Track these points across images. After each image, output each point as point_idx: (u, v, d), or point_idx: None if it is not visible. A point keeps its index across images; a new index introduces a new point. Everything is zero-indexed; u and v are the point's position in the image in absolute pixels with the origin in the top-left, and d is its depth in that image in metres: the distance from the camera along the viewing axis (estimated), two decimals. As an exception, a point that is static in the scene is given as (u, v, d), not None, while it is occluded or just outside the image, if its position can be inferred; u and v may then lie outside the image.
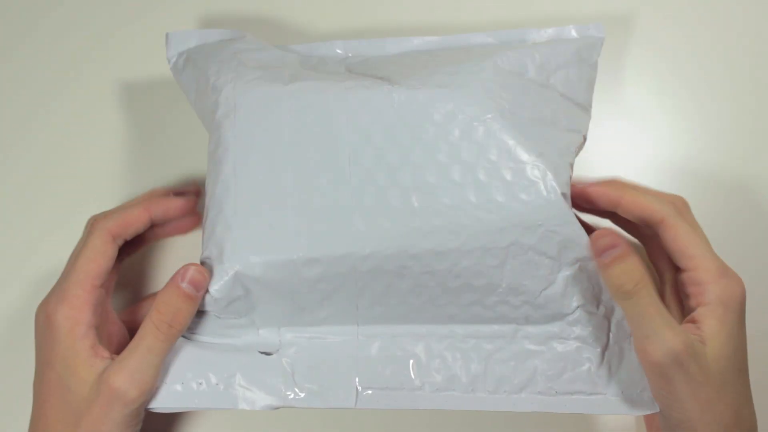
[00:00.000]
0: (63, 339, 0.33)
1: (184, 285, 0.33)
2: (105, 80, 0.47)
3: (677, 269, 0.35)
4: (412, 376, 0.35)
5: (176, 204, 0.39)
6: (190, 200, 0.40)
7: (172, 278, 0.34)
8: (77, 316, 0.34)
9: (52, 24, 0.48)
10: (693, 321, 0.33)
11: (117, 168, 0.45)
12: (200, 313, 0.36)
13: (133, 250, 0.40)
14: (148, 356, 0.33)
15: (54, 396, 0.33)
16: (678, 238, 0.34)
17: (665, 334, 0.31)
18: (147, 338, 0.33)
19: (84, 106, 0.46)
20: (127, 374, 0.32)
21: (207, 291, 0.34)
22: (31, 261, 0.44)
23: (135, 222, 0.37)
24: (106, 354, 0.34)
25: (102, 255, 0.35)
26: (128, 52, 0.47)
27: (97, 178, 0.45)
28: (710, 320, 0.32)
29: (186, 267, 0.34)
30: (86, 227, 0.37)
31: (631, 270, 0.32)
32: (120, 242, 0.37)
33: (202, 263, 0.35)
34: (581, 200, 0.36)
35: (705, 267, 0.33)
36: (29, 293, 0.43)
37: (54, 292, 0.35)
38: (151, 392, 0.34)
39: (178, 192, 0.40)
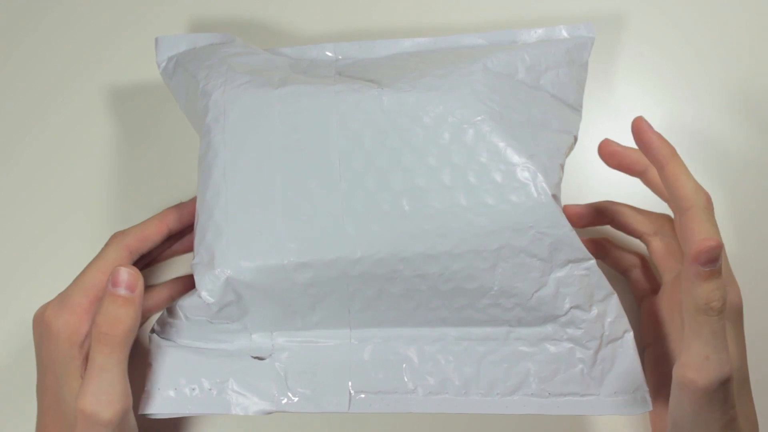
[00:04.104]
0: (61, 344, 0.33)
1: (120, 290, 0.33)
2: (96, 85, 0.47)
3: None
4: (405, 380, 0.35)
5: (189, 209, 0.39)
6: None
7: (106, 287, 0.33)
8: (77, 324, 0.34)
9: (43, 30, 0.48)
10: None
11: (109, 172, 0.45)
12: (192, 319, 0.35)
13: (149, 265, 0.41)
14: (104, 374, 0.32)
15: (54, 404, 0.33)
16: (695, 232, 0.32)
17: (726, 357, 0.30)
18: (96, 357, 0.32)
19: (75, 111, 0.46)
20: (92, 397, 0.31)
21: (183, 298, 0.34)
22: (28, 262, 0.44)
23: (152, 235, 0.37)
24: None
25: (113, 267, 0.35)
26: (119, 57, 0.47)
27: (89, 182, 0.45)
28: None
29: (115, 270, 0.33)
30: (106, 242, 0.37)
31: (722, 287, 0.31)
32: (136, 257, 0.37)
33: (193, 268, 0.35)
34: (638, 138, 0.35)
35: None
36: (24, 296, 0.44)
37: (57, 298, 0.35)
38: (127, 406, 0.33)
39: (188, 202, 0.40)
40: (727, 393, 0.31)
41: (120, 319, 0.32)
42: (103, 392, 0.31)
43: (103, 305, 0.33)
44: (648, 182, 0.37)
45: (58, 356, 0.33)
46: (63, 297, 0.35)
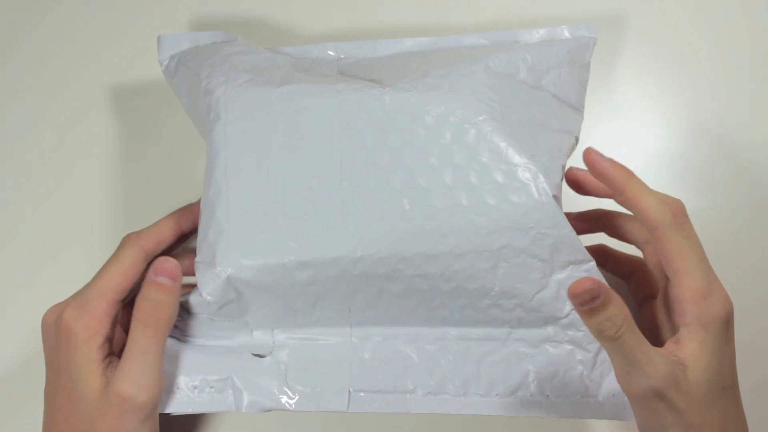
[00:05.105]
0: (80, 347, 0.33)
1: (160, 278, 0.33)
2: (97, 84, 0.47)
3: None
4: (405, 379, 0.35)
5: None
6: None
7: (146, 275, 0.34)
8: (96, 327, 0.34)
9: (43, 30, 0.48)
10: (676, 341, 0.32)
11: (109, 172, 0.45)
12: (193, 316, 0.36)
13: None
14: (145, 357, 0.33)
15: (68, 404, 0.33)
16: (667, 251, 0.32)
17: (646, 370, 0.31)
18: (138, 340, 0.33)
19: (75, 111, 0.46)
20: (131, 380, 0.32)
21: (201, 288, 0.34)
22: (28, 262, 0.44)
23: (167, 237, 0.38)
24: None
25: (131, 270, 0.35)
26: (120, 56, 0.47)
27: (90, 182, 0.45)
28: (691, 342, 0.32)
29: (156, 260, 0.34)
30: (120, 243, 0.37)
31: (614, 315, 0.30)
32: (151, 258, 0.37)
33: (196, 267, 0.35)
34: (591, 170, 0.35)
35: (688, 286, 0.32)
36: (24, 296, 0.43)
37: (74, 300, 0.35)
38: (160, 393, 0.33)
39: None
40: (667, 401, 0.31)
41: (164, 304, 0.33)
42: (143, 374, 0.32)
43: (144, 292, 0.33)
44: (621, 203, 0.36)
45: (75, 358, 0.33)
46: (81, 300, 0.34)
